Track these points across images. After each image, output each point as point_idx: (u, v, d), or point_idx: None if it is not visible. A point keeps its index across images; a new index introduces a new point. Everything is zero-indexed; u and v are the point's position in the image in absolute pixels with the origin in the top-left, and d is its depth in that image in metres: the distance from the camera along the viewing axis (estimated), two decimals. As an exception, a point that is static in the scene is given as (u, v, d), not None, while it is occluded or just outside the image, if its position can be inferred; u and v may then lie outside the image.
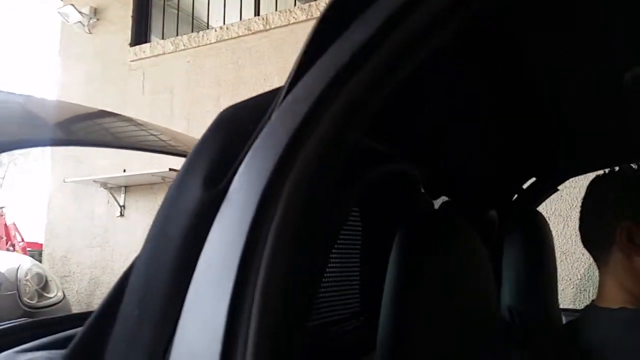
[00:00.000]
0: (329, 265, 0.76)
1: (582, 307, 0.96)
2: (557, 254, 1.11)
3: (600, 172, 0.95)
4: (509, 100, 0.86)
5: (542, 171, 1.19)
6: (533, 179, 1.22)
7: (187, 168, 0.39)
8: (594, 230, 0.91)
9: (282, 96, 0.38)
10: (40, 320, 0.91)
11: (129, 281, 0.38)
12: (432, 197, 0.98)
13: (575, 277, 2.24)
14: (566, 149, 1.13)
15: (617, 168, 0.92)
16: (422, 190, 0.90)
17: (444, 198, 1.05)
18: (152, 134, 0.97)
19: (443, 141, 0.84)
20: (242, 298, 0.29)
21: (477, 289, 0.62)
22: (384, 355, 0.51)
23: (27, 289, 2.77)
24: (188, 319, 0.32)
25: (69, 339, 0.68)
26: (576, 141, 1.09)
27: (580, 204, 0.96)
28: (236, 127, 0.40)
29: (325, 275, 0.74)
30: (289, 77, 0.39)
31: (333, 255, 0.77)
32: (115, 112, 0.98)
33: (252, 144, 0.37)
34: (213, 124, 0.42)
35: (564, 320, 1.05)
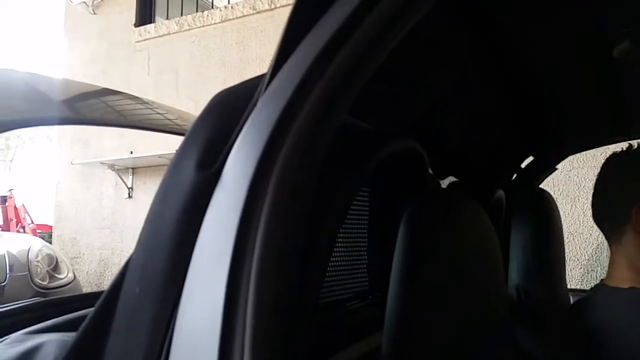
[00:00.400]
0: (337, 244, 0.76)
1: (590, 287, 0.95)
2: (565, 235, 1.10)
3: (617, 149, 0.94)
4: (501, 79, 0.86)
5: (539, 150, 1.18)
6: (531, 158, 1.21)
7: (181, 152, 0.41)
8: (608, 209, 0.90)
9: (267, 80, 0.39)
10: (52, 300, 0.93)
11: (130, 261, 0.39)
12: (439, 177, 0.98)
13: (583, 257, 2.24)
14: (561, 127, 1.12)
15: (635, 146, 0.91)
16: (430, 171, 0.90)
17: (451, 178, 1.04)
18: (157, 113, 0.97)
19: (442, 121, 0.84)
20: (240, 276, 0.30)
21: (485, 267, 0.62)
22: (392, 333, 0.51)
23: (39, 270, 2.80)
24: (189, 297, 0.33)
25: (79, 319, 0.69)
26: (571, 119, 1.08)
27: (588, 184, 0.95)
28: (228, 111, 0.41)
29: (333, 254, 0.74)
30: (272, 61, 0.40)
31: (340, 234, 0.78)
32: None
33: (242, 126, 0.38)
34: (206, 108, 0.43)
35: (571, 300, 1.05)
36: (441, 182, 0.99)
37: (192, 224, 0.35)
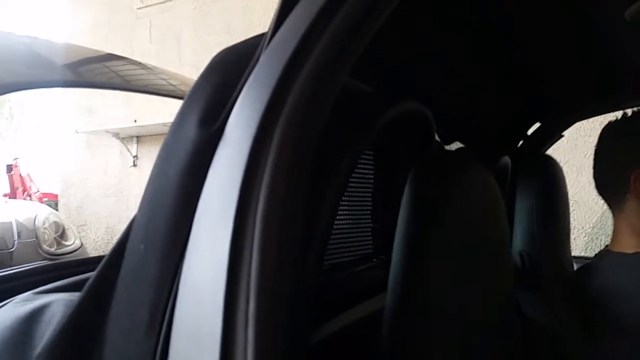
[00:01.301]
0: (341, 206, 0.76)
1: (594, 255, 0.96)
2: (570, 203, 1.10)
3: (613, 117, 0.92)
4: (507, 45, 0.84)
5: (546, 116, 1.16)
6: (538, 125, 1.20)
7: (183, 110, 0.41)
8: (608, 178, 0.90)
9: (269, 35, 0.39)
10: (59, 263, 0.94)
11: (134, 220, 0.39)
12: (445, 143, 0.97)
13: (588, 226, 2.24)
14: (568, 93, 1.10)
15: (629, 113, 0.90)
16: (436, 137, 0.89)
17: (457, 145, 1.04)
18: (161, 78, 0.96)
19: (448, 86, 0.83)
20: (244, 230, 0.30)
21: (491, 230, 0.61)
22: (395, 296, 0.51)
23: (46, 236, 2.83)
24: (193, 252, 0.33)
25: (86, 281, 0.70)
26: (578, 86, 1.06)
27: (594, 153, 0.94)
28: (230, 68, 0.41)
29: (338, 216, 0.74)
30: (274, 15, 0.39)
31: (345, 197, 0.77)
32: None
33: (244, 83, 0.37)
34: (207, 67, 0.43)
35: (575, 267, 1.06)
36: (447, 147, 0.98)
37: (196, 180, 0.35)
